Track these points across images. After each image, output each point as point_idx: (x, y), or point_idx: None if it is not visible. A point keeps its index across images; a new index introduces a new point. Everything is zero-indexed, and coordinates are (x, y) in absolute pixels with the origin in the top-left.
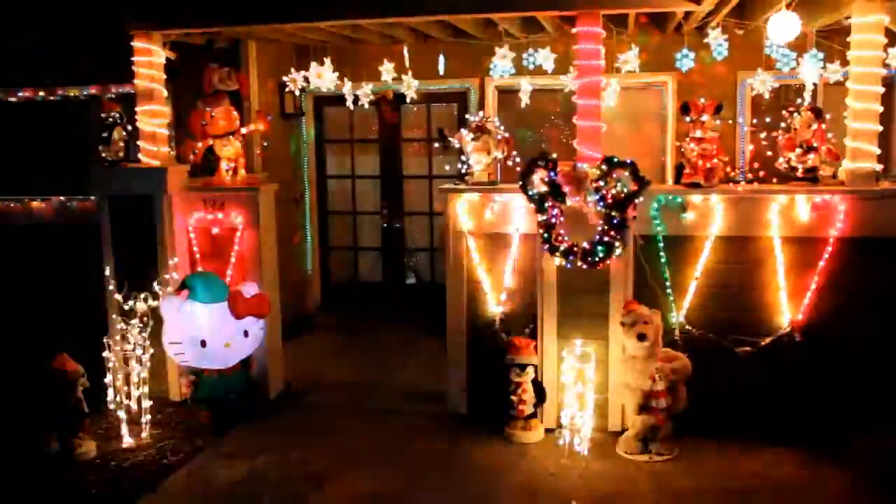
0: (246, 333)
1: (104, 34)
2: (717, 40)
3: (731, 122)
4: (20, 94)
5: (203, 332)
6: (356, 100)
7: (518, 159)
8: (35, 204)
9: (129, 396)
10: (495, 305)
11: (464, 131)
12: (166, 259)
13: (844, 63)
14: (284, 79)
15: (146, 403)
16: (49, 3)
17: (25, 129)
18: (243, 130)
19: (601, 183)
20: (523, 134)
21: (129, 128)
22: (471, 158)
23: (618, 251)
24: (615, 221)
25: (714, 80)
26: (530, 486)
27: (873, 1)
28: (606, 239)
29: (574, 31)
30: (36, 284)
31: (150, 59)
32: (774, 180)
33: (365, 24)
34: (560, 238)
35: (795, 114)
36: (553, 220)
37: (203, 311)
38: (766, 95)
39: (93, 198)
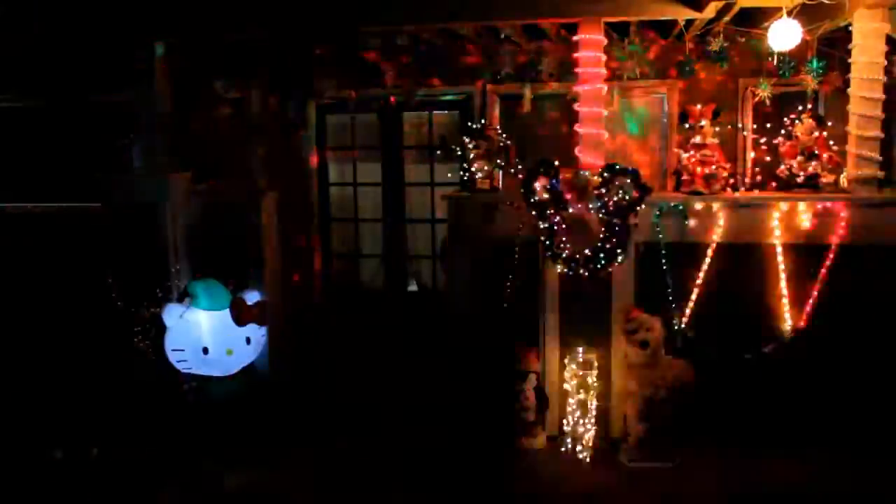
0: (248, 340)
1: (108, 42)
2: (718, 47)
3: (730, 126)
4: (25, 101)
5: (205, 339)
6: (358, 107)
7: (520, 167)
8: (40, 210)
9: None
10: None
11: (466, 139)
12: (169, 266)
13: (846, 71)
14: (287, 86)
15: None
16: (53, 12)
17: (30, 135)
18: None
19: (603, 190)
20: (525, 141)
21: (132, 135)
22: (473, 166)
23: (619, 258)
24: (617, 229)
25: (715, 87)
26: (532, 492)
27: (874, 9)
28: (608, 246)
29: (576, 38)
30: (39, 291)
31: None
32: (774, 184)
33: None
34: (562, 245)
35: (797, 121)
36: (555, 228)
37: (205, 319)
38: (768, 102)
39: (97, 205)
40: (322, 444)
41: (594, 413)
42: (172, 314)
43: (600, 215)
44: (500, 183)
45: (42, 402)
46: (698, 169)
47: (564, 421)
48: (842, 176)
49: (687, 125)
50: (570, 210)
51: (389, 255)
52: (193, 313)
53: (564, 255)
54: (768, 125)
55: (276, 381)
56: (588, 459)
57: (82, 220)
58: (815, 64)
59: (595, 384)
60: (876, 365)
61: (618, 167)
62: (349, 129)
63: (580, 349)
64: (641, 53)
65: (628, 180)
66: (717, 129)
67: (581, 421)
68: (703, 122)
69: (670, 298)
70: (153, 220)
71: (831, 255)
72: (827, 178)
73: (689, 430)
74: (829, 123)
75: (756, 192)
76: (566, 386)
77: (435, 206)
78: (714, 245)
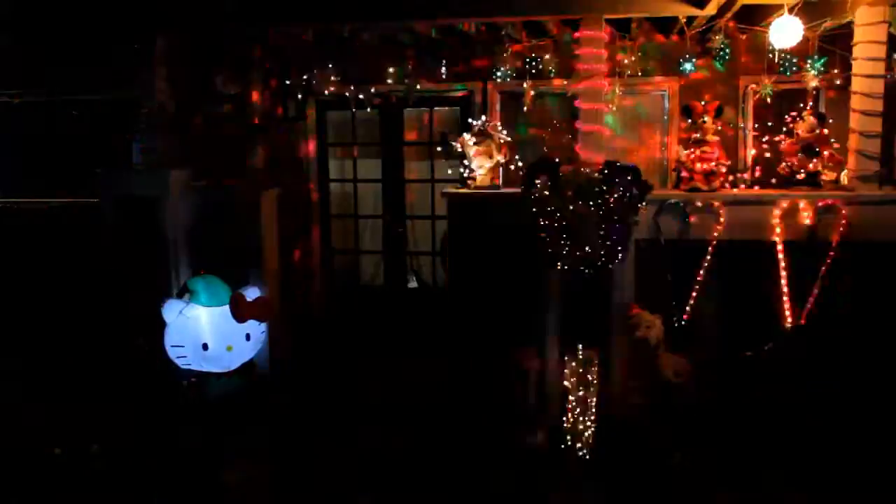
0: (248, 337)
1: (107, 39)
2: (719, 44)
3: (731, 124)
4: (24, 97)
5: (205, 335)
6: (359, 103)
7: (520, 163)
8: (39, 205)
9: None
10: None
11: (466, 135)
12: (169, 262)
13: (847, 68)
14: (287, 82)
15: None
16: (53, 7)
17: (28, 131)
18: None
19: (604, 187)
20: (526, 138)
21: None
22: (473, 162)
23: (620, 256)
24: (617, 226)
25: (717, 84)
26: (531, 488)
27: (876, 6)
28: (608, 244)
29: (577, 35)
30: (38, 287)
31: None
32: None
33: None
34: (562, 243)
35: (798, 118)
36: (555, 225)
37: (205, 315)
38: (769, 100)
39: (97, 200)
40: (321, 442)
41: (594, 410)
42: (172, 310)
43: (600, 213)
44: (501, 180)
45: (40, 398)
46: (698, 166)
47: (564, 419)
48: (843, 173)
49: (690, 121)
50: (571, 208)
51: (389, 251)
52: (193, 309)
53: (564, 253)
54: (769, 122)
55: (275, 378)
56: (587, 456)
57: (82, 216)
58: (816, 61)
59: (595, 381)
60: (877, 361)
61: (618, 164)
62: (350, 125)
63: (580, 346)
64: (644, 48)
65: (629, 177)
66: (719, 126)
67: (581, 419)
68: (706, 119)
69: (670, 295)
70: (153, 216)
71: (832, 253)
72: (828, 176)
73: (689, 426)
74: (830, 120)
75: (756, 190)
76: (566, 383)
77: (435, 203)
78: (714, 242)
